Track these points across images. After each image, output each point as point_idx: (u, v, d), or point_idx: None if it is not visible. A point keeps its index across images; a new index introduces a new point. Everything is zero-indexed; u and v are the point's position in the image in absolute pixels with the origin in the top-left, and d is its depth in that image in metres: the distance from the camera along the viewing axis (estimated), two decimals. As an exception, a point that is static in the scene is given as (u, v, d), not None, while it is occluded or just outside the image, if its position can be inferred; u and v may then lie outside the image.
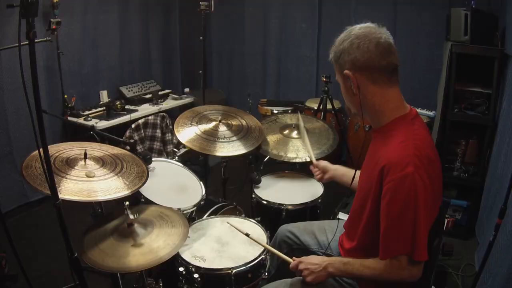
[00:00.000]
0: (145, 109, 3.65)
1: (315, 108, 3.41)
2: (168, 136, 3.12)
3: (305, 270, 1.35)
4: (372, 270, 1.25)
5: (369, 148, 1.43)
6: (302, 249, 1.68)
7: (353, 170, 1.62)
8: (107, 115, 3.31)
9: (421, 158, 1.16)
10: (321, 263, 1.33)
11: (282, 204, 2.06)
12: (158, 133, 3.06)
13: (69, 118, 3.22)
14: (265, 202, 2.10)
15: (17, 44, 1.06)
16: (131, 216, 1.48)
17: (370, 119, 1.34)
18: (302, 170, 2.51)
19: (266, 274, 1.65)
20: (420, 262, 1.19)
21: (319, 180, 1.91)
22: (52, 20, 2.75)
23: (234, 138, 2.14)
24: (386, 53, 1.21)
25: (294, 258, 1.42)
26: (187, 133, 2.09)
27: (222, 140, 2.10)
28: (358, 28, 1.25)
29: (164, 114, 3.13)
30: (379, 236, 1.23)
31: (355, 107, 1.34)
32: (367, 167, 1.40)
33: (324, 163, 1.88)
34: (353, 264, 1.30)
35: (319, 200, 2.13)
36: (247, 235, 1.62)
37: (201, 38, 3.24)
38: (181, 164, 2.21)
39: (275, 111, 3.78)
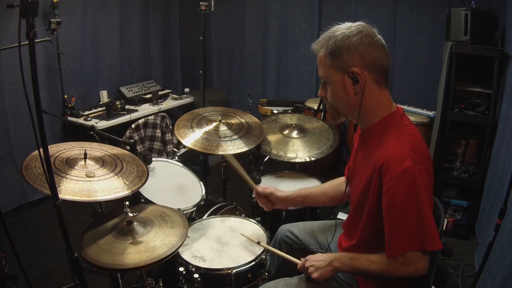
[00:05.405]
0: (145, 109, 3.65)
1: (315, 108, 3.40)
2: (168, 136, 3.12)
3: (310, 267, 1.33)
4: (379, 265, 1.24)
5: (358, 149, 1.41)
6: (302, 249, 1.68)
7: (314, 188, 1.70)
8: (107, 115, 3.31)
9: (417, 153, 1.17)
10: (327, 259, 1.32)
11: (282, 204, 2.05)
12: (158, 133, 3.06)
13: (69, 118, 3.22)
14: (265, 202, 2.09)
15: (17, 44, 1.06)
16: (131, 214, 1.47)
17: (360, 119, 1.31)
18: (302, 170, 2.51)
19: (266, 274, 1.65)
20: (428, 255, 1.19)
21: (267, 209, 1.72)
22: (52, 20, 2.74)
23: (235, 136, 2.15)
24: (388, 55, 1.23)
25: (301, 258, 1.40)
26: (188, 135, 2.09)
27: (223, 139, 2.10)
28: (360, 26, 1.21)
29: (164, 114, 3.14)
30: (379, 233, 1.23)
31: (348, 107, 1.28)
32: (362, 167, 1.36)
33: (269, 191, 1.68)
34: (359, 259, 1.28)
35: (319, 200, 2.12)
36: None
37: (201, 38, 3.24)
38: (181, 164, 2.21)
39: (275, 111, 3.77)
